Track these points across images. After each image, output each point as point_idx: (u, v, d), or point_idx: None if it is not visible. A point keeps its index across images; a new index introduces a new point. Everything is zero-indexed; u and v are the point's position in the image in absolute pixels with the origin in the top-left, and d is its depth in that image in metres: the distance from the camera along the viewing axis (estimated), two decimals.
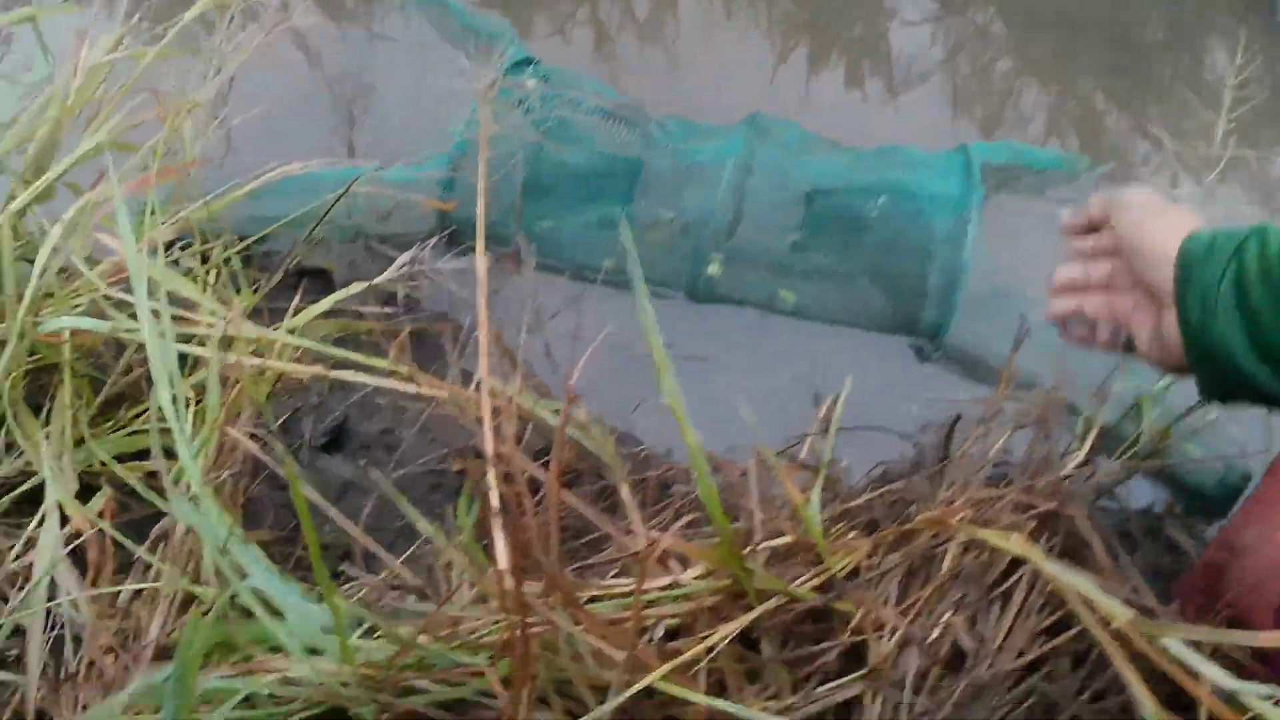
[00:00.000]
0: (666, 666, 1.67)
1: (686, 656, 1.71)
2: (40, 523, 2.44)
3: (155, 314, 2.10)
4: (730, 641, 1.82)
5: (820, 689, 1.87)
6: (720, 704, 1.71)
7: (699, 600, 1.88)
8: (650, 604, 1.90)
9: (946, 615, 1.96)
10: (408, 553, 2.29)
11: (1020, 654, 1.93)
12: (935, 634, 1.94)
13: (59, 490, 2.40)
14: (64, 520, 2.37)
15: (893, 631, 1.92)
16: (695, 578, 1.89)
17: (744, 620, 1.82)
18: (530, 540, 1.66)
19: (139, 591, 2.20)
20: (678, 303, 3.44)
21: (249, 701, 1.87)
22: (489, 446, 1.77)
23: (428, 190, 3.48)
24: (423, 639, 1.83)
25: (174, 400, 2.00)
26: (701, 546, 1.82)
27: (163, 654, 2.06)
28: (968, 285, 3.25)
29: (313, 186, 3.26)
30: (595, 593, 1.94)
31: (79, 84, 3.00)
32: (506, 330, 3.03)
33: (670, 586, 1.90)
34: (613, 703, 1.64)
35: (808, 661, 1.91)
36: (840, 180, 3.42)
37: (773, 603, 1.87)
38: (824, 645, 1.92)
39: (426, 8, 4.39)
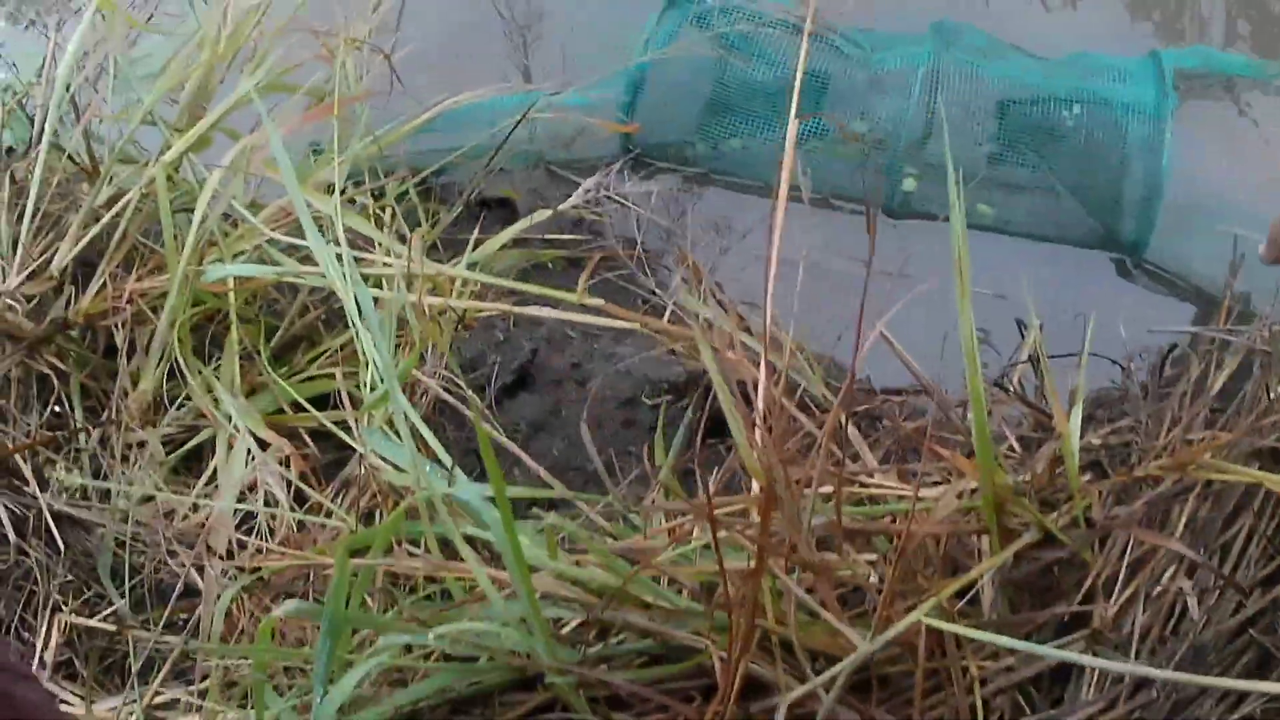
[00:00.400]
0: (901, 624, 1.52)
1: (928, 606, 1.56)
2: (210, 479, 2.40)
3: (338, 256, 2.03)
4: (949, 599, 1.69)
5: (1041, 650, 1.73)
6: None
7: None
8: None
9: (1171, 570, 1.81)
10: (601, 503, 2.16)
11: (1239, 608, 1.78)
12: (1159, 588, 1.79)
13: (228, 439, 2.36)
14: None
15: (1122, 588, 1.79)
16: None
17: (1003, 556, 1.68)
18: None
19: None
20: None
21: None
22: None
23: (608, 114, 3.37)
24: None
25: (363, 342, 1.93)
26: (963, 460, 1.69)
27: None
28: (1167, 196, 3.07)
29: (489, 115, 3.17)
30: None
31: (230, 30, 2.91)
32: (700, 250, 2.95)
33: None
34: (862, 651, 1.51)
35: (1031, 617, 1.78)
36: (1034, 89, 3.27)
37: (1027, 537, 1.71)
38: (1055, 610, 1.78)
39: None
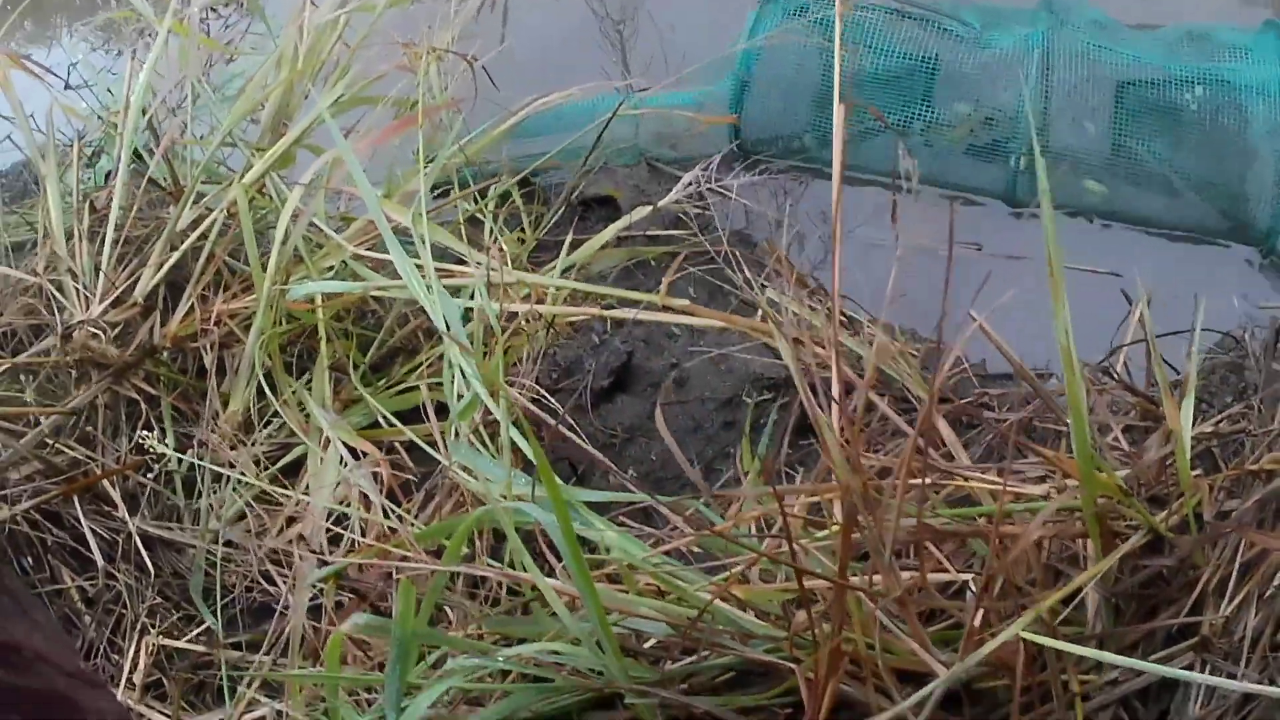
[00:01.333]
0: (1003, 635, 1.48)
1: (1026, 619, 1.52)
2: (304, 493, 2.43)
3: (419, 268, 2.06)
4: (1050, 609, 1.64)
5: (1149, 662, 1.67)
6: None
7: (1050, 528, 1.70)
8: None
9: None
10: (691, 511, 2.14)
11: None
12: (1272, 591, 1.72)
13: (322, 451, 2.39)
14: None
15: (1234, 591, 1.72)
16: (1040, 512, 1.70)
17: (1106, 562, 1.62)
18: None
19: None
20: (989, 205, 3.26)
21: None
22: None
23: (713, 111, 3.37)
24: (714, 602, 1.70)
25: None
26: (1065, 459, 1.65)
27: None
28: None
29: (589, 115, 3.20)
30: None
31: (308, 45, 2.95)
32: (810, 242, 2.92)
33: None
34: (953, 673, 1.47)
35: (1136, 628, 1.72)
36: (1152, 70, 3.19)
37: (1136, 540, 1.66)
38: (1163, 620, 1.72)
39: None
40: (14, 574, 2.21)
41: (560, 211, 3.13)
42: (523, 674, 1.79)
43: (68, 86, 3.65)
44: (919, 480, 1.58)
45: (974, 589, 1.64)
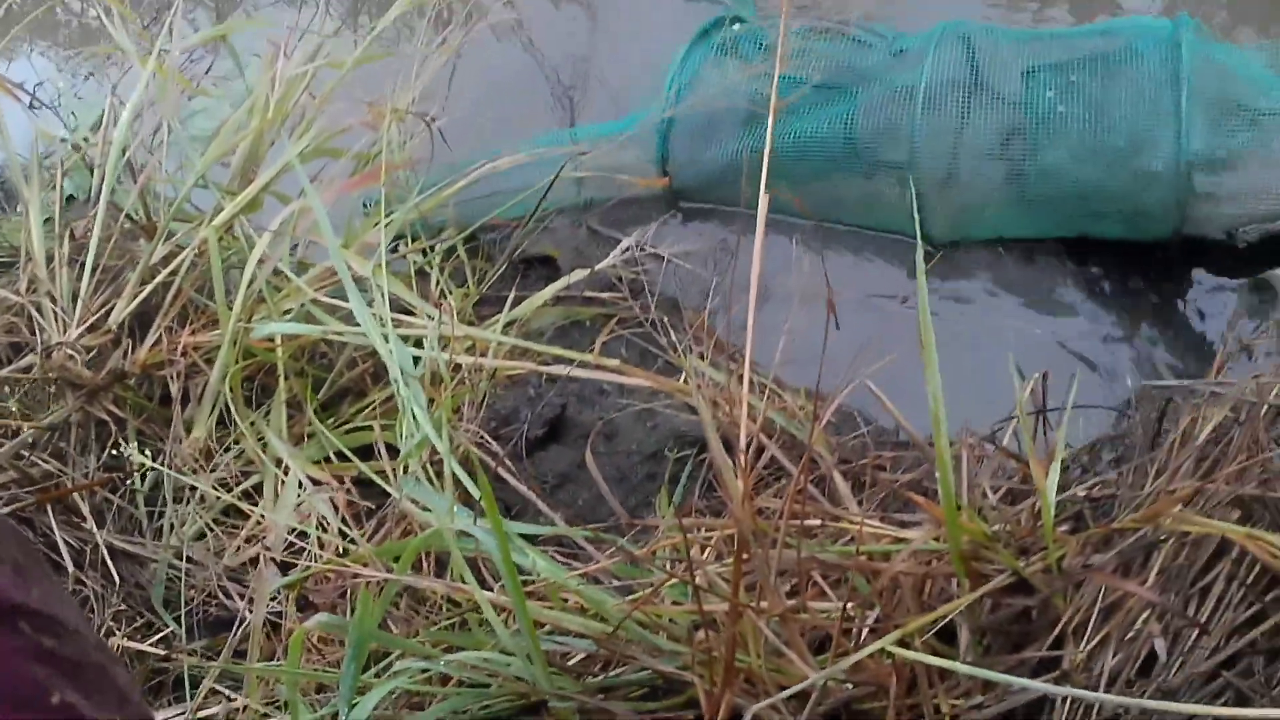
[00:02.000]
0: (870, 648, 1.80)
1: (893, 637, 1.83)
2: (260, 520, 2.69)
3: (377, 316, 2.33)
4: (925, 637, 1.95)
5: (1013, 690, 1.96)
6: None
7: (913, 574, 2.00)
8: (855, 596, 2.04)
9: (1145, 615, 2.02)
10: (612, 548, 2.43)
11: (1215, 650, 2.00)
12: (1131, 634, 2.01)
13: (271, 484, 2.66)
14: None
15: (1093, 632, 2.02)
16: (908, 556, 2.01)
17: (971, 596, 1.93)
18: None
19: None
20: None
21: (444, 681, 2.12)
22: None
23: (646, 141, 3.62)
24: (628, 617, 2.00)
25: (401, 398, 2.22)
26: (934, 505, 1.94)
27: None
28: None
29: (535, 173, 3.44)
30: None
31: (279, 95, 3.24)
32: (737, 307, 3.18)
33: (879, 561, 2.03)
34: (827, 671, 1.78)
35: (1003, 660, 2.01)
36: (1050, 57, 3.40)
37: (998, 581, 1.96)
38: (1027, 654, 2.01)
39: None
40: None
41: (503, 269, 3.41)
42: (461, 680, 2.08)
43: (32, 106, 3.89)
44: (801, 519, 1.90)
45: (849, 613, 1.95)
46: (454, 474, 2.18)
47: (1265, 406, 2.29)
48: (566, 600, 2.13)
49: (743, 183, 3.50)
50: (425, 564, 2.49)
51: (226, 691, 2.43)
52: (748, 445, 1.96)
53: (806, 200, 3.44)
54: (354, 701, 1.96)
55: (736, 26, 3.82)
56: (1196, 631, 1.96)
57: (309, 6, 4.91)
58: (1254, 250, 3.19)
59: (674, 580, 2.05)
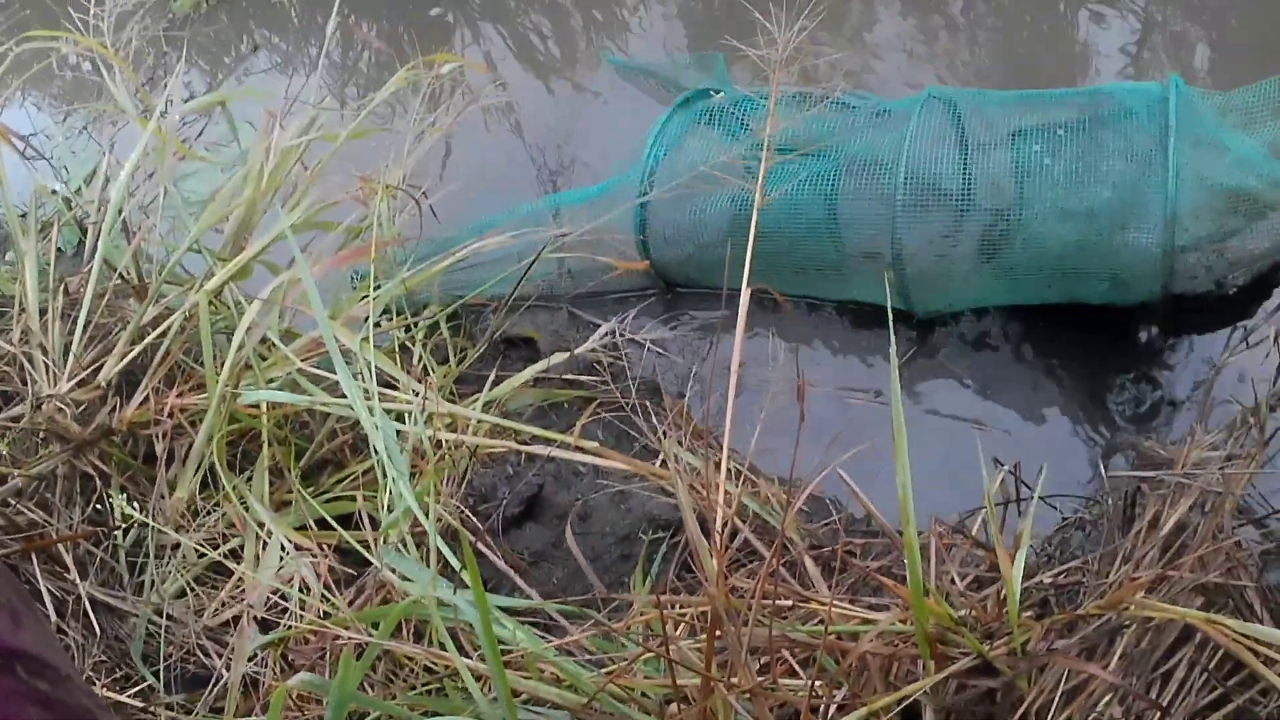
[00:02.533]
0: None
1: (860, 714, 1.95)
2: (239, 581, 2.79)
3: (365, 390, 2.44)
4: (890, 716, 2.05)
5: None
6: None
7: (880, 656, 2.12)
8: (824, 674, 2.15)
9: (1108, 699, 2.13)
10: (589, 624, 2.54)
11: None
12: (1093, 716, 2.11)
13: (251, 548, 2.76)
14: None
15: (1055, 714, 2.12)
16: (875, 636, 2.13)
17: (934, 678, 2.04)
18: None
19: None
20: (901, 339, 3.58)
21: None
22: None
23: (625, 217, 3.72)
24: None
25: (387, 471, 2.33)
26: (901, 588, 2.06)
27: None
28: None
29: (518, 252, 3.57)
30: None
31: (273, 165, 3.36)
32: (715, 395, 3.28)
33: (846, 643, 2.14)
34: None
35: None
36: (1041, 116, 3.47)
37: (963, 664, 2.08)
38: None
39: (629, 73, 4.80)
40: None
41: (484, 348, 3.54)
42: None
43: (26, 156, 4.01)
44: (773, 599, 2.02)
45: (819, 692, 2.06)
46: (436, 546, 2.28)
47: (1229, 498, 2.44)
48: (543, 671, 2.24)
49: (725, 259, 3.61)
50: (404, 632, 2.59)
51: None
52: (723, 527, 2.09)
53: (786, 270, 3.55)
54: None
55: (720, 95, 3.94)
56: (1159, 715, 2.09)
57: (299, 75, 5.08)
58: (1245, 293, 3.36)
59: (649, 654, 2.17)
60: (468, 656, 2.24)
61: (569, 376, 3.41)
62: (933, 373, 3.49)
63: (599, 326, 3.50)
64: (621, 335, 3.42)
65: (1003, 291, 3.45)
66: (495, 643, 1.98)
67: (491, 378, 3.18)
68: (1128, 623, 2.18)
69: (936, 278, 3.43)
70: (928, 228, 3.37)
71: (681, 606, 2.36)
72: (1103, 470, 2.98)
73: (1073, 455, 3.24)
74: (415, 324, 3.43)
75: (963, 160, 3.39)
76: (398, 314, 3.44)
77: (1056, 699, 2.12)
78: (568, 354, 3.35)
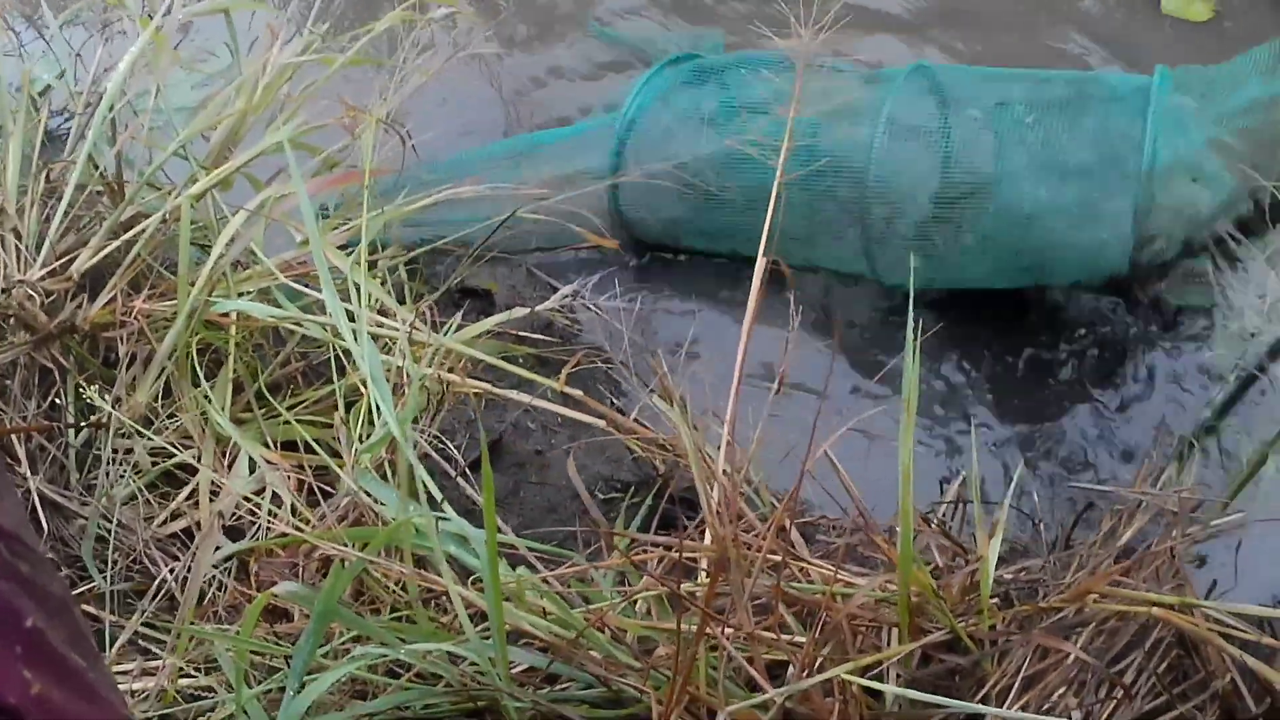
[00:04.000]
0: (828, 673, 1.96)
1: (848, 666, 2.00)
2: (190, 495, 2.79)
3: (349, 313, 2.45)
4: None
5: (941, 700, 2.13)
6: None
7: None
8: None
9: (1062, 690, 2.21)
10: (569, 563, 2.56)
11: None
12: (1048, 705, 2.19)
13: (209, 459, 2.76)
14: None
15: (1014, 699, 2.20)
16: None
17: (910, 646, 2.11)
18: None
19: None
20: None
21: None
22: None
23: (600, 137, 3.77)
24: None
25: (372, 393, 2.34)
26: (892, 550, 2.12)
27: None
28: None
29: (488, 208, 3.58)
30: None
31: (266, 81, 3.36)
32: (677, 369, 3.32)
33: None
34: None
35: (929, 711, 2.19)
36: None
37: (935, 637, 2.15)
38: (951, 707, 2.19)
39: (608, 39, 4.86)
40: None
41: (438, 295, 3.53)
42: (411, 674, 2.21)
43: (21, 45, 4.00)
44: (782, 555, 2.07)
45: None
46: (413, 473, 2.30)
47: (1184, 518, 2.55)
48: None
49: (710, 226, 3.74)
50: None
51: (153, 647, 2.52)
52: (729, 472, 2.14)
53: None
54: (306, 680, 2.06)
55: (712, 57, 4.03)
56: (1108, 712, 2.18)
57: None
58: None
59: (640, 593, 2.21)
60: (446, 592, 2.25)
61: (521, 333, 3.42)
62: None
63: (557, 288, 3.43)
64: (581, 299, 3.41)
65: (972, 265, 3.54)
66: (498, 570, 2.01)
67: (455, 322, 3.15)
68: (1087, 619, 2.27)
69: (906, 243, 3.48)
70: (901, 191, 3.48)
71: (685, 551, 2.39)
72: (1054, 482, 3.12)
73: (1031, 465, 3.34)
74: (375, 264, 3.41)
75: (943, 127, 3.49)
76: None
77: (1015, 685, 2.19)
78: (527, 310, 3.32)
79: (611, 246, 3.71)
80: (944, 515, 2.78)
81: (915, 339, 2.15)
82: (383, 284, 3.35)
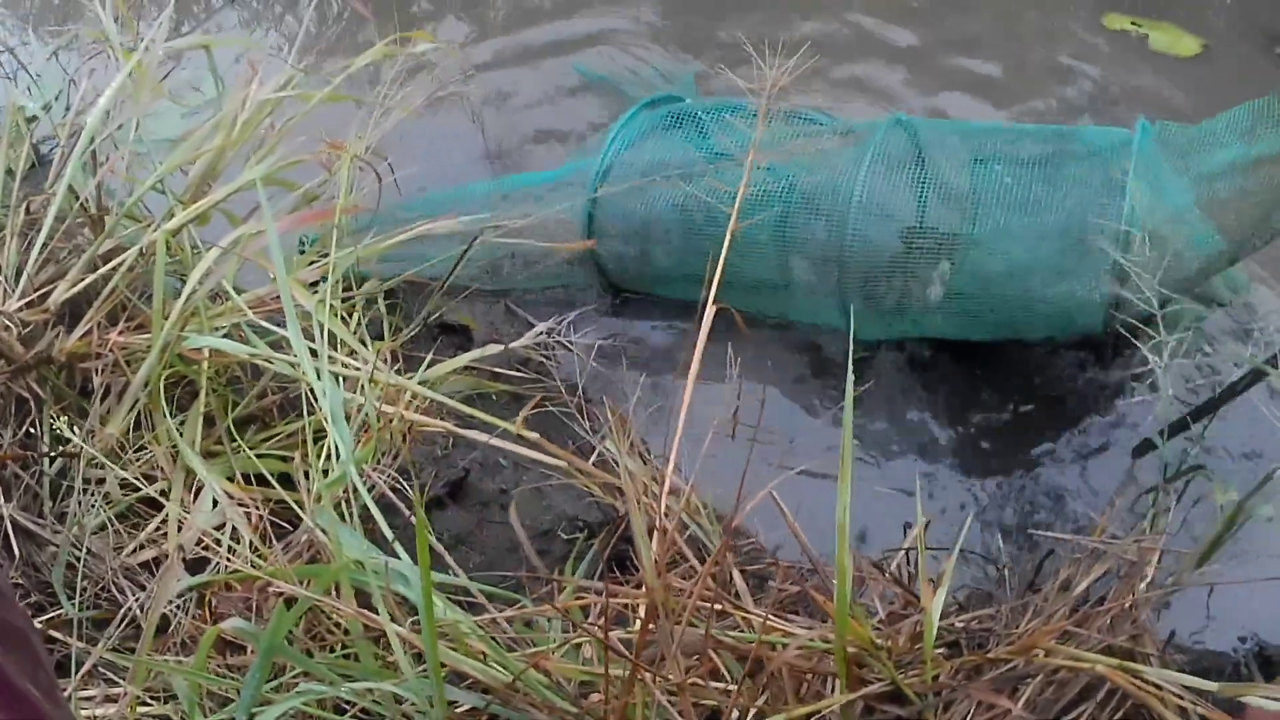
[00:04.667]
0: None
1: (781, 717, 2.10)
2: (159, 526, 2.88)
3: (312, 351, 2.55)
4: None
5: None
6: None
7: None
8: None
9: None
10: (516, 606, 2.65)
11: None
12: None
13: (178, 492, 2.86)
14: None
15: None
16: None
17: (849, 696, 2.19)
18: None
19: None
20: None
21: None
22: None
23: (573, 207, 3.85)
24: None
25: (332, 432, 2.44)
26: (828, 602, 2.19)
27: None
28: None
29: (465, 234, 3.66)
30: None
31: (246, 116, 3.46)
32: (639, 410, 3.38)
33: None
34: None
35: None
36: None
37: (876, 687, 2.23)
38: None
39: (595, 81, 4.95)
40: None
41: (418, 330, 3.66)
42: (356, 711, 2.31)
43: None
44: (711, 604, 2.17)
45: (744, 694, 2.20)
46: (373, 510, 2.39)
47: (1143, 568, 2.61)
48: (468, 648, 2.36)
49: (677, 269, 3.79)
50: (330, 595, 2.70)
51: (116, 676, 2.61)
52: (665, 518, 2.23)
53: (735, 285, 3.56)
54: (254, 712, 2.16)
55: (687, 101, 4.11)
56: None
57: (275, 34, 5.20)
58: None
59: (581, 639, 2.30)
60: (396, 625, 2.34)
61: (498, 370, 3.54)
62: (860, 417, 3.65)
63: (533, 325, 3.60)
64: (555, 338, 3.53)
65: (948, 320, 3.60)
66: (433, 611, 2.10)
67: (428, 359, 3.27)
68: (1035, 671, 2.32)
69: (882, 299, 3.57)
70: (878, 248, 3.51)
71: (620, 598, 2.48)
72: (1013, 530, 3.19)
73: (990, 512, 3.43)
74: (353, 298, 3.53)
75: (920, 182, 3.53)
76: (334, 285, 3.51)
77: None
78: (502, 347, 3.44)
79: (588, 247, 3.83)
80: (898, 564, 2.82)
81: (850, 393, 2.21)
82: (360, 318, 3.47)
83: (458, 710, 2.33)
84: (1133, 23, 5.19)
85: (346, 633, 2.50)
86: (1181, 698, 2.11)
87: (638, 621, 2.41)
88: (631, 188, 3.75)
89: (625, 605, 2.52)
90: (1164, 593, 2.80)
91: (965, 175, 3.54)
